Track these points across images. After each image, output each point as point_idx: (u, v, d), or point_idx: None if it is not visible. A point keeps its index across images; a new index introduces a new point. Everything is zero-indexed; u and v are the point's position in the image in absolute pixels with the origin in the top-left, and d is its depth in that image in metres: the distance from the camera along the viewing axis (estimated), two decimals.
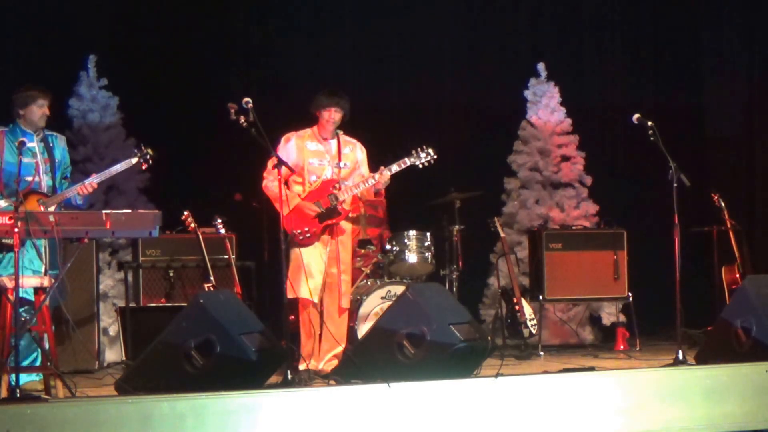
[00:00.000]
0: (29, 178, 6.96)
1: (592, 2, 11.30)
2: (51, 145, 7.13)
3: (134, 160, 7.26)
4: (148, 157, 7.29)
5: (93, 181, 7.05)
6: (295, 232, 7.47)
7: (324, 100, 7.59)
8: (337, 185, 7.60)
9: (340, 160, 7.67)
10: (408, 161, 7.63)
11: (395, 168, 7.59)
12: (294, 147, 7.60)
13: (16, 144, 6.77)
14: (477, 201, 9.33)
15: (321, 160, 7.62)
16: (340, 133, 7.72)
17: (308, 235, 7.48)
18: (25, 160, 6.86)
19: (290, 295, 7.31)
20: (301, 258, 7.41)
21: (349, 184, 7.64)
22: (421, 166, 7.67)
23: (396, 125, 10.12)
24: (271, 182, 7.46)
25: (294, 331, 7.57)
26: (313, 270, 7.50)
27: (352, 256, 7.94)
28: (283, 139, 7.62)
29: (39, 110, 7.04)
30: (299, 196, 7.54)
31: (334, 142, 7.69)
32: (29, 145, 6.93)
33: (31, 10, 9.66)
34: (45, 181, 7.04)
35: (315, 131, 7.68)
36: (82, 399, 6.20)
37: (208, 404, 5.57)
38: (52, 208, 6.87)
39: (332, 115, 7.58)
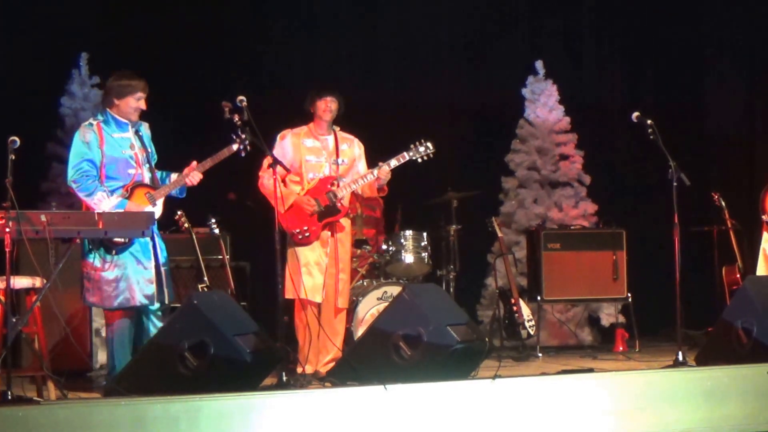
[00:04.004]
0: (131, 171, 6.76)
1: None
2: (140, 134, 6.89)
3: (235, 147, 6.89)
4: (247, 143, 6.86)
5: (198, 170, 6.86)
6: (293, 231, 7.38)
7: (318, 92, 7.51)
8: (335, 182, 7.51)
9: (338, 156, 7.59)
10: (407, 155, 7.56)
11: (394, 163, 7.52)
12: (290, 144, 7.52)
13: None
14: (474, 200, 9.28)
15: (318, 157, 7.54)
16: (337, 129, 7.64)
17: (307, 234, 7.40)
18: (124, 152, 6.72)
19: (289, 295, 7.23)
20: (299, 257, 7.33)
21: (347, 181, 7.55)
22: (419, 160, 7.59)
23: (393, 123, 10.04)
24: (267, 180, 7.36)
25: (289, 332, 7.49)
26: (314, 269, 7.41)
27: (350, 255, 7.86)
28: (278, 137, 7.55)
29: (136, 103, 6.75)
30: (297, 194, 7.46)
31: (330, 139, 7.61)
32: (125, 135, 6.75)
33: (22, 8, 9.59)
34: (146, 172, 6.84)
35: (311, 128, 7.60)
36: (74, 401, 6.14)
37: (201, 406, 5.52)
38: (160, 201, 6.78)
39: (328, 105, 7.49)
